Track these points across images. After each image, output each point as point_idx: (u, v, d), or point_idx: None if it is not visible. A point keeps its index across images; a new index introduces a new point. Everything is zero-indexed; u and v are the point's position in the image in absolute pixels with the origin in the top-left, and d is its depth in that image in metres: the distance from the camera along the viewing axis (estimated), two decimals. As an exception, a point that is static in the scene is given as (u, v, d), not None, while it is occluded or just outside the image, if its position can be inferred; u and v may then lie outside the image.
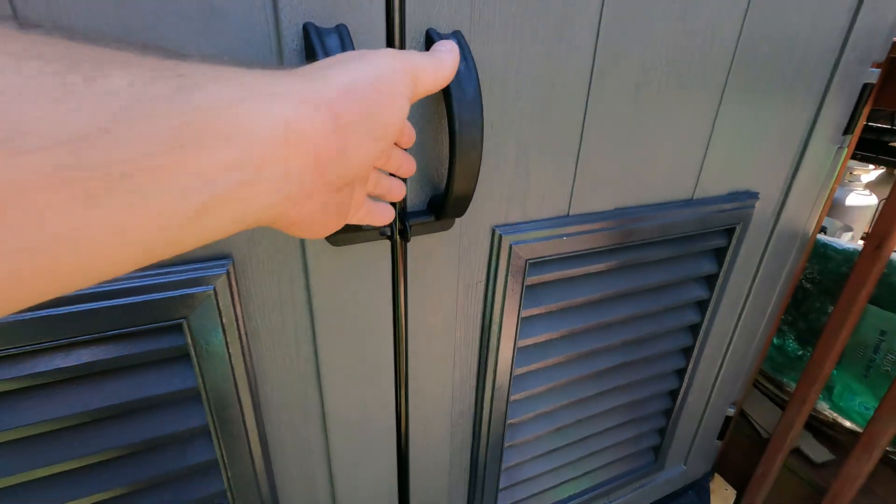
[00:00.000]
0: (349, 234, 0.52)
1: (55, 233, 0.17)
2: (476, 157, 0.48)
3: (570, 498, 1.06)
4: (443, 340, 0.68)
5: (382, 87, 0.28)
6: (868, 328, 1.13)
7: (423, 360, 0.67)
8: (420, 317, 0.64)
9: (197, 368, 0.51)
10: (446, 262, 0.62)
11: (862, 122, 0.93)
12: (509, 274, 0.66)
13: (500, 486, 0.90)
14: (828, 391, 1.25)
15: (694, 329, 1.01)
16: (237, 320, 0.51)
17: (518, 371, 0.77)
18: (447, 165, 0.49)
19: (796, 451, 1.29)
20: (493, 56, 0.53)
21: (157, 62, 0.19)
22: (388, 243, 0.56)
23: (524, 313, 0.72)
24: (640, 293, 0.87)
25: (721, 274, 0.93)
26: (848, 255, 1.15)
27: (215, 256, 0.49)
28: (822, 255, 1.19)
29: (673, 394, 1.09)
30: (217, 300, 0.49)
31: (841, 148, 0.96)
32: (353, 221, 0.37)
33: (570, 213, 0.70)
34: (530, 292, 0.73)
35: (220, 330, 0.50)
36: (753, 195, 0.90)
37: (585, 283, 0.78)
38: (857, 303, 1.04)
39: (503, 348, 0.72)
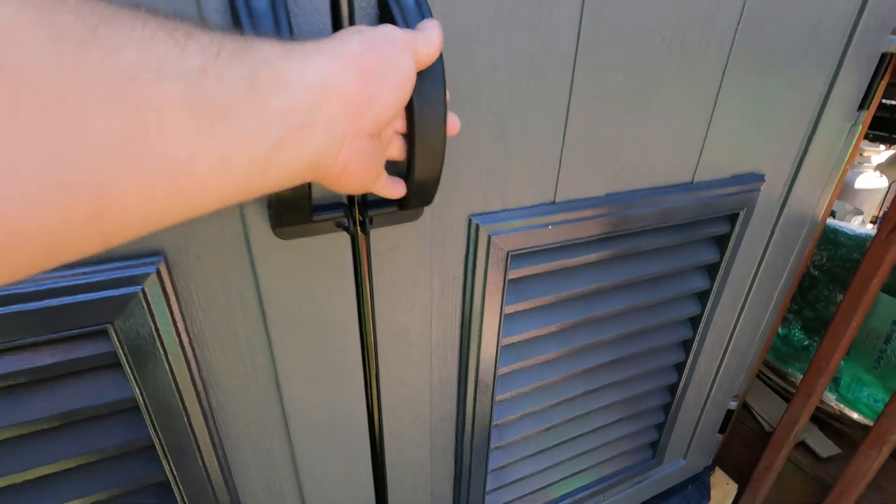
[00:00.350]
0: (299, 227, 0.45)
1: (180, 153, 0.21)
2: (439, 135, 0.42)
3: (563, 497, 1.01)
4: (418, 342, 0.62)
5: (395, 43, 0.32)
6: (880, 318, 1.06)
7: (395, 363, 0.62)
8: (390, 317, 0.58)
9: (132, 378, 0.45)
10: (417, 256, 0.56)
11: (879, 95, 0.86)
12: (489, 268, 0.60)
13: (488, 489, 0.85)
14: (835, 382, 1.20)
15: (694, 321, 0.95)
16: (175, 325, 0.46)
17: (503, 370, 0.71)
18: (407, 147, 0.42)
19: (801, 445, 1.24)
20: (461, 20, 0.46)
21: (221, 31, 0.24)
22: (345, 236, 0.50)
23: (508, 309, 0.66)
24: (635, 285, 0.81)
25: (723, 263, 0.87)
26: (860, 241, 1.08)
27: (143, 253, 0.42)
28: (831, 241, 1.12)
29: (671, 388, 1.03)
30: (148, 302, 0.43)
31: (854, 125, 0.89)
32: (376, 190, 0.39)
33: (557, 200, 0.63)
34: (514, 286, 0.67)
35: (155, 335, 0.44)
36: (759, 178, 0.83)
37: (575, 275, 0.72)
38: (868, 291, 0.97)
39: (485, 347, 0.67)
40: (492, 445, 0.78)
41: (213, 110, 0.22)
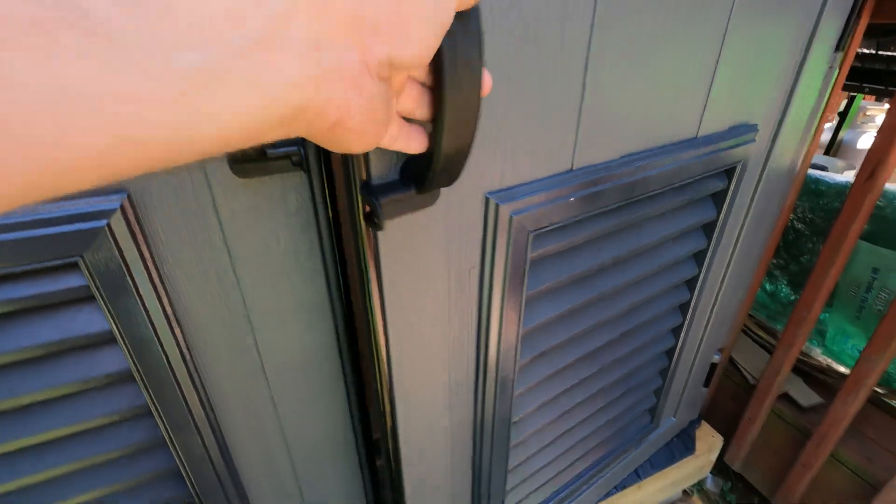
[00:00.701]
0: (254, 164, 0.40)
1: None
2: (475, 95, 0.32)
3: (573, 481, 0.97)
4: (434, 345, 0.53)
5: None
6: (860, 266, 1.08)
7: (408, 371, 0.53)
8: (401, 322, 0.49)
9: (106, 311, 0.42)
10: (431, 248, 0.47)
11: (858, 37, 0.84)
12: (510, 252, 0.52)
13: (507, 487, 0.79)
14: (821, 336, 1.23)
15: (690, 283, 0.92)
16: (144, 261, 0.41)
17: (522, 362, 0.64)
18: (431, 109, 0.32)
19: (785, 397, 1.27)
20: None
21: None
22: (299, 174, 0.43)
23: (527, 295, 0.58)
24: (641, 253, 0.76)
25: (719, 220, 0.84)
26: (840, 189, 1.08)
27: (106, 191, 0.38)
28: (813, 192, 1.12)
29: (669, 352, 1.01)
30: (114, 237, 0.39)
31: (831, 68, 0.87)
32: (385, 144, 0.29)
33: (574, 168, 0.56)
34: (531, 269, 0.59)
35: (125, 270, 0.40)
36: (753, 128, 0.80)
37: (588, 250, 0.65)
38: (847, 239, 0.98)
39: (506, 339, 0.59)
40: (511, 442, 0.71)
41: (62, 18, 0.13)
